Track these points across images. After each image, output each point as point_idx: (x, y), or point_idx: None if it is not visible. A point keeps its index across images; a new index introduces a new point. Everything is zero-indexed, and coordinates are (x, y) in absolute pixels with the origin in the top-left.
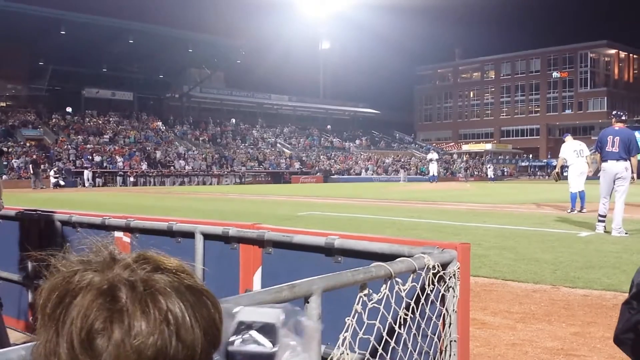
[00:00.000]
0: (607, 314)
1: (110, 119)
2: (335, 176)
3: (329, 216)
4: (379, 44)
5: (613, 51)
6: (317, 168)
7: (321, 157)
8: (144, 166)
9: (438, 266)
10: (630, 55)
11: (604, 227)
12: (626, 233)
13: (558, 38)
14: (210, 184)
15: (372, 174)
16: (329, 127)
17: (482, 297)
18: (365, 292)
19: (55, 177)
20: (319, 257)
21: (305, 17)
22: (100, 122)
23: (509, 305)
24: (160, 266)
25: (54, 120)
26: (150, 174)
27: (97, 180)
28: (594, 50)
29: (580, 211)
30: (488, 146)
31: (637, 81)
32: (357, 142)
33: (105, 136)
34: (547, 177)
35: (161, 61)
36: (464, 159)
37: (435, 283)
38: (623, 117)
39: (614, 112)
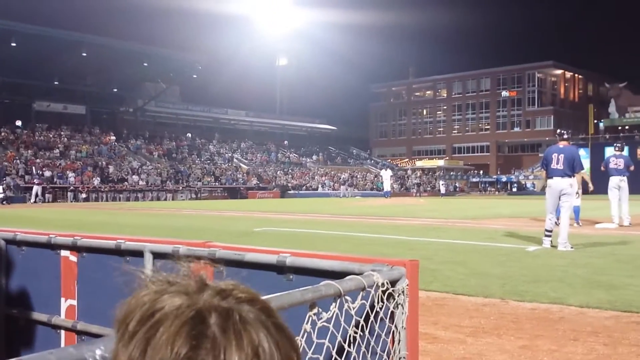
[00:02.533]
0: (554, 327)
1: (62, 133)
2: (292, 191)
3: (285, 232)
4: (335, 62)
5: (559, 71)
6: (274, 183)
7: (278, 172)
8: (96, 181)
9: (387, 283)
10: (576, 75)
11: (551, 241)
12: (572, 247)
13: (507, 58)
14: (165, 199)
15: (329, 189)
16: (286, 142)
17: (434, 312)
18: (315, 311)
19: (2, 193)
20: (270, 275)
21: (262, 33)
22: (51, 136)
23: (460, 319)
24: (252, 299)
25: (2, 134)
26: (102, 190)
27: (47, 195)
28: (541, 71)
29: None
30: (440, 162)
31: (582, 100)
32: (314, 157)
33: (55, 150)
34: (496, 192)
35: (115, 75)
36: (418, 174)
37: (385, 300)
38: (566, 136)
39: (558, 131)
